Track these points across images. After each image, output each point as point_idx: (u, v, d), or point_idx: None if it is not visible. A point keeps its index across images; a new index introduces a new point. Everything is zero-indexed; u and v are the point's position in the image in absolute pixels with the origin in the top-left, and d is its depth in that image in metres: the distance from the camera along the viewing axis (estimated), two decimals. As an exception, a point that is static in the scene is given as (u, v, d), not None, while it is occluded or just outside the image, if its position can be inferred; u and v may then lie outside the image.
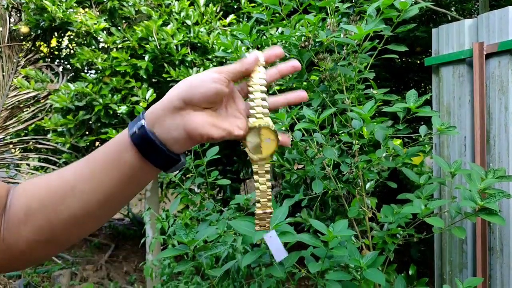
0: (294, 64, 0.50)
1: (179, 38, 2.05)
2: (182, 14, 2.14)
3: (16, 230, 0.44)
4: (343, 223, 1.00)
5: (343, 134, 1.29)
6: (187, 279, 1.66)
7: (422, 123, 2.28)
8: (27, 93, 2.62)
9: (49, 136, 2.45)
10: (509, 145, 1.35)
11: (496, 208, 0.97)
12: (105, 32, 2.25)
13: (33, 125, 2.60)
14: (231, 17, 2.24)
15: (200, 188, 2.64)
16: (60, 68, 2.84)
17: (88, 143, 2.32)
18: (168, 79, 2.08)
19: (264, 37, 1.90)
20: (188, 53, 2.14)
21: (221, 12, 2.39)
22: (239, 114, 0.49)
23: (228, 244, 1.13)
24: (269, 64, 0.50)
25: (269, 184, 0.49)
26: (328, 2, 1.22)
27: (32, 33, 2.63)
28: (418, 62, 2.67)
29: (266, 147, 0.48)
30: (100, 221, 0.48)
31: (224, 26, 2.23)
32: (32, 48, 2.81)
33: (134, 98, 2.11)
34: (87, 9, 2.39)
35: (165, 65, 2.10)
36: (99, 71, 2.23)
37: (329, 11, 1.28)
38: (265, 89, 0.49)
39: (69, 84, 2.16)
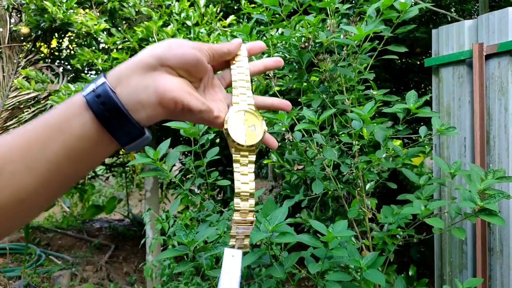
0: (277, 59, 0.48)
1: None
2: (183, 15, 2.14)
3: None
4: (343, 223, 1.00)
5: (343, 135, 1.29)
6: (187, 279, 1.66)
7: (422, 124, 2.28)
8: (28, 93, 2.62)
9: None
10: (509, 146, 1.35)
11: (496, 209, 0.97)
12: (105, 32, 2.25)
13: (33, 126, 2.59)
14: (231, 18, 2.25)
15: (200, 189, 2.64)
16: (61, 69, 2.84)
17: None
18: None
19: (264, 38, 1.90)
20: (188, 54, 2.14)
21: (221, 13, 2.40)
22: (219, 100, 0.44)
23: (228, 245, 1.13)
24: (253, 56, 0.47)
25: (252, 185, 0.41)
26: (328, 3, 1.22)
27: (32, 33, 2.64)
28: (418, 63, 2.67)
29: (251, 135, 0.42)
30: (37, 209, 0.37)
31: (224, 27, 2.24)
32: (33, 48, 2.81)
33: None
34: (87, 10, 2.39)
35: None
36: (99, 72, 2.24)
37: (329, 12, 1.29)
38: (249, 76, 0.45)
39: (69, 85, 2.16)
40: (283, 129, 1.27)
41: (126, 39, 2.20)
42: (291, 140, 1.28)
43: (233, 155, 0.42)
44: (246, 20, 2.37)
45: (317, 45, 1.33)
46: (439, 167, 1.52)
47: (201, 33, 2.15)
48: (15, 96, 2.70)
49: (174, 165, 1.16)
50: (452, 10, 2.52)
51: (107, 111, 0.36)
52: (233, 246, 0.42)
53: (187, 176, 1.79)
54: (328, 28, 1.29)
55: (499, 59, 1.36)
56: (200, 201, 1.34)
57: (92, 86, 0.37)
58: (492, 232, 1.39)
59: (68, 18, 2.18)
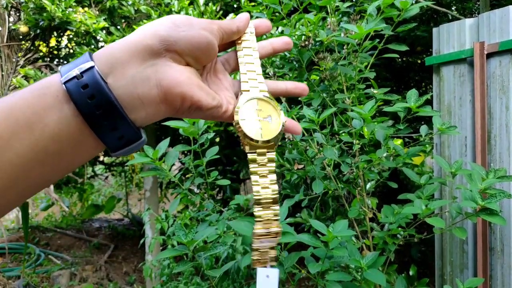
0: (286, 40, 0.41)
1: (178, 38, 2.04)
2: (182, 13, 2.13)
3: None
4: (343, 223, 0.99)
5: (343, 134, 1.29)
6: (187, 279, 1.65)
7: (423, 122, 2.27)
8: (26, 92, 2.61)
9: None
10: (510, 145, 1.34)
11: (497, 208, 0.97)
12: (104, 31, 2.24)
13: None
14: (231, 16, 2.24)
15: (199, 188, 2.64)
16: (59, 68, 2.83)
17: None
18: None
19: (264, 36, 1.90)
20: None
21: (221, 11, 2.39)
22: (224, 89, 0.37)
23: (228, 245, 1.13)
24: (259, 36, 0.41)
25: (275, 187, 0.34)
26: (329, 1, 1.21)
27: (31, 32, 2.63)
28: (419, 61, 2.66)
29: (268, 129, 0.35)
30: (2, 211, 0.30)
31: (224, 25, 2.23)
32: (31, 47, 2.80)
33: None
34: (86, 9, 2.38)
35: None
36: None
37: (329, 10, 1.28)
38: (258, 60, 0.37)
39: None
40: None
41: (125, 37, 2.19)
42: (291, 139, 1.27)
43: (248, 155, 0.34)
44: (245, 19, 2.36)
45: (317, 43, 1.33)
46: (440, 167, 1.51)
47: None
48: (14, 95, 2.69)
49: (174, 164, 1.15)
50: (453, 8, 2.51)
51: (97, 107, 0.27)
52: (257, 262, 0.35)
53: (187, 176, 1.78)
54: (329, 26, 1.28)
55: (500, 57, 1.36)
56: (199, 200, 1.33)
57: (74, 70, 0.28)
58: (493, 232, 1.38)
59: (67, 17, 2.18)
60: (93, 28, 2.18)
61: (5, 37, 2.72)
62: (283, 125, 0.36)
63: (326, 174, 1.29)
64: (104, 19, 2.29)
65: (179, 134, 1.32)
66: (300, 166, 1.49)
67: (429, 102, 1.43)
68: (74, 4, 2.25)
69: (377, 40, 1.25)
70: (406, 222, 1.15)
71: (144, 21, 2.07)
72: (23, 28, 2.55)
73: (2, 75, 2.73)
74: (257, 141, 0.34)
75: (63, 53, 2.98)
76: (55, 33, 2.75)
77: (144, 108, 0.30)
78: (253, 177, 0.34)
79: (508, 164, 1.34)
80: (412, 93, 1.13)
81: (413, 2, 1.17)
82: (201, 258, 1.00)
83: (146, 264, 2.20)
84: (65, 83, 0.28)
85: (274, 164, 0.35)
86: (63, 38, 2.92)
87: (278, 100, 1.72)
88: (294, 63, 1.50)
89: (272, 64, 1.62)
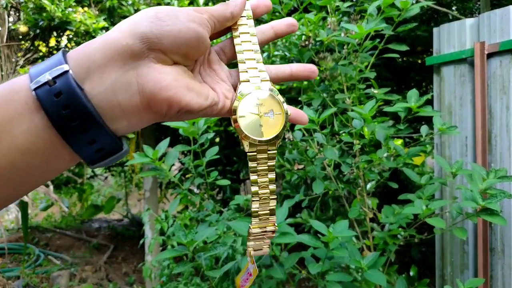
0: (290, 21, 0.35)
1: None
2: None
3: None
4: (344, 223, 0.99)
5: (343, 134, 1.28)
6: (187, 280, 1.65)
7: (423, 123, 2.27)
8: (26, 93, 2.61)
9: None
10: (510, 145, 1.34)
11: (497, 209, 0.96)
12: (104, 31, 2.24)
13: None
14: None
15: (199, 188, 2.63)
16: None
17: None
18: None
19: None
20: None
21: (221, 12, 2.39)
22: (221, 81, 0.33)
23: (228, 245, 1.13)
24: (257, 17, 0.36)
25: (273, 186, 0.33)
26: (329, 1, 1.21)
27: (31, 32, 2.62)
28: (419, 61, 2.66)
29: (269, 125, 0.32)
30: None
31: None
32: (31, 47, 2.80)
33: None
34: (86, 8, 2.38)
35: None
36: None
37: (329, 10, 1.28)
38: (257, 46, 0.34)
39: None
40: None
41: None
42: (291, 139, 1.26)
43: (248, 153, 0.32)
44: (245, 19, 2.36)
45: (318, 43, 1.32)
46: (441, 167, 1.51)
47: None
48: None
49: (173, 164, 1.15)
50: (453, 8, 2.51)
51: (72, 118, 0.24)
52: (252, 262, 0.35)
53: (186, 176, 1.78)
54: (329, 26, 1.28)
55: (501, 58, 1.35)
56: (199, 201, 1.33)
57: (46, 75, 0.25)
58: (494, 232, 1.38)
59: (67, 17, 2.17)
60: (93, 28, 2.18)
61: (5, 37, 2.72)
62: (286, 120, 0.33)
63: (327, 175, 1.29)
64: (104, 19, 2.29)
65: (178, 134, 1.32)
66: (300, 166, 1.48)
67: (429, 102, 1.42)
68: (73, 4, 2.25)
69: (378, 40, 1.25)
70: (406, 223, 1.15)
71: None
72: (23, 28, 2.55)
73: (2, 75, 2.72)
74: (257, 141, 0.32)
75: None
76: (54, 33, 2.75)
77: (126, 117, 0.27)
78: (252, 176, 0.33)
79: (509, 164, 1.34)
80: (413, 93, 1.13)
81: (414, 2, 1.17)
82: (201, 258, 1.00)
83: (145, 265, 2.19)
84: (35, 89, 0.24)
85: (274, 162, 0.33)
86: (62, 38, 2.91)
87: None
88: (294, 62, 1.50)
89: (272, 64, 1.62)
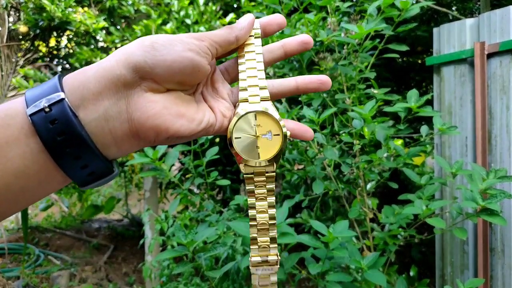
0: (303, 39, 0.33)
1: (178, 38, 2.04)
2: (182, 13, 2.13)
3: None
4: (344, 223, 0.99)
5: (343, 134, 1.28)
6: (187, 280, 1.65)
7: (423, 123, 2.27)
8: (26, 93, 2.61)
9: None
10: (510, 145, 1.34)
11: (497, 209, 0.96)
12: (104, 31, 2.24)
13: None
14: (231, 16, 2.23)
15: (199, 188, 2.63)
16: (59, 68, 2.83)
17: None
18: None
19: (264, 36, 1.89)
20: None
21: (221, 11, 2.39)
22: (221, 99, 0.33)
23: (228, 245, 1.13)
24: (268, 36, 0.34)
25: (272, 211, 0.31)
26: (329, 1, 1.21)
27: (31, 32, 2.62)
28: (419, 61, 2.66)
29: (266, 146, 0.31)
30: None
31: (223, 25, 2.22)
32: (31, 47, 2.80)
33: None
34: (86, 8, 2.38)
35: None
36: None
37: (329, 10, 1.27)
38: (262, 64, 0.33)
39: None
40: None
41: (125, 37, 2.19)
42: (291, 139, 1.26)
43: (245, 175, 0.31)
44: (245, 19, 2.36)
45: (318, 43, 1.32)
46: (441, 167, 1.51)
47: (201, 31, 2.14)
48: (14, 96, 2.69)
49: (173, 164, 1.15)
50: (453, 8, 2.51)
51: (67, 145, 0.25)
52: None
53: (187, 176, 1.78)
54: (329, 26, 1.28)
55: (501, 58, 1.35)
56: (199, 201, 1.33)
57: (42, 101, 0.25)
58: (494, 232, 1.38)
59: (67, 17, 2.17)
60: (93, 28, 2.18)
61: (5, 37, 2.72)
62: (284, 141, 0.31)
63: (327, 175, 1.29)
64: (104, 19, 2.29)
65: (179, 134, 1.31)
66: (300, 167, 1.48)
67: (429, 102, 1.42)
68: (73, 4, 2.25)
69: (378, 40, 1.25)
70: (406, 223, 1.15)
71: (144, 21, 2.07)
72: (23, 28, 2.55)
73: (2, 75, 2.72)
74: (255, 163, 0.31)
75: (63, 53, 2.98)
76: (54, 33, 2.75)
77: (116, 144, 0.28)
78: (249, 199, 0.31)
79: (509, 164, 1.34)
80: (413, 93, 1.13)
81: (414, 2, 1.17)
82: (201, 258, 1.00)
83: (145, 265, 2.19)
84: (31, 115, 0.25)
85: (273, 185, 0.32)
86: (62, 38, 2.91)
87: (278, 100, 1.71)
88: (295, 63, 1.50)
89: (272, 64, 1.62)
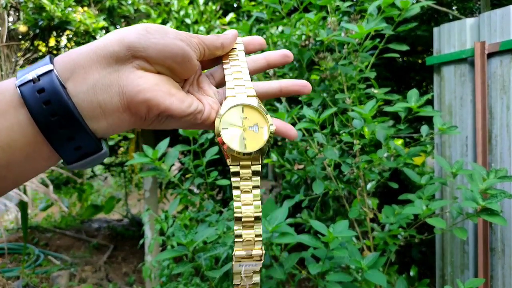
0: (285, 52, 0.37)
1: (178, 38, 2.04)
2: (182, 12, 2.12)
3: None
4: (344, 223, 0.99)
5: (344, 134, 1.28)
6: (186, 280, 1.65)
7: (423, 122, 2.27)
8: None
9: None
10: (510, 145, 1.34)
11: (497, 209, 0.96)
12: (104, 31, 2.24)
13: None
14: (231, 15, 2.23)
15: (199, 188, 2.63)
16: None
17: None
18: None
19: (264, 36, 1.89)
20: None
21: (221, 11, 2.38)
22: (208, 96, 0.34)
23: (228, 245, 1.12)
24: (249, 53, 0.37)
25: (258, 203, 0.31)
26: (329, 1, 1.20)
27: (30, 32, 2.62)
28: (420, 61, 2.66)
29: (253, 139, 0.32)
30: None
31: (223, 24, 2.22)
32: (31, 47, 2.79)
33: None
34: (85, 8, 2.38)
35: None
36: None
37: (329, 10, 1.27)
38: (246, 68, 0.35)
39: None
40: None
41: (125, 37, 2.19)
42: (277, 137, 1.26)
43: (230, 167, 0.31)
44: (246, 18, 2.36)
45: (318, 43, 1.32)
46: (441, 167, 1.50)
47: (201, 31, 2.13)
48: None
49: (173, 164, 1.15)
50: (453, 8, 2.51)
51: (53, 114, 0.25)
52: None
53: (186, 176, 1.77)
54: (329, 26, 1.27)
55: (501, 57, 1.35)
56: (199, 201, 1.33)
57: (31, 73, 0.26)
58: (494, 232, 1.38)
59: (66, 16, 2.17)
60: (93, 28, 2.18)
61: (4, 37, 2.71)
62: (270, 135, 0.32)
63: (327, 175, 1.28)
64: (104, 19, 2.29)
65: (178, 134, 1.31)
66: (300, 166, 1.48)
67: (429, 102, 1.42)
68: (73, 3, 2.25)
69: (378, 39, 1.25)
70: (406, 223, 1.14)
71: (144, 20, 2.07)
72: (22, 28, 2.55)
73: (2, 75, 2.72)
74: (240, 153, 0.31)
75: (63, 53, 2.97)
76: (54, 33, 2.75)
77: (105, 118, 0.28)
78: (235, 192, 0.31)
79: (509, 164, 1.34)
80: (413, 93, 1.12)
81: (414, 1, 1.17)
82: (200, 258, 1.00)
83: (145, 265, 2.19)
84: (19, 86, 0.26)
85: (259, 178, 0.32)
86: (62, 38, 2.91)
87: (278, 100, 1.71)
88: (294, 62, 1.50)
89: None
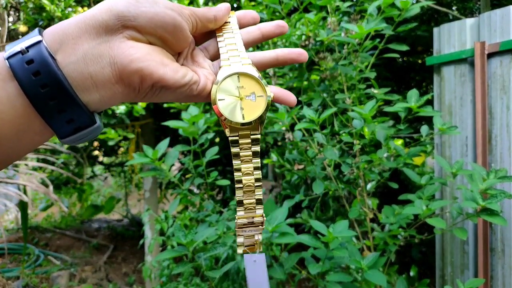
0: (279, 23, 0.36)
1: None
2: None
3: None
4: (344, 224, 0.99)
5: (344, 134, 1.28)
6: (187, 280, 1.65)
7: (423, 123, 2.27)
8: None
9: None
10: (510, 145, 1.34)
11: (497, 209, 0.96)
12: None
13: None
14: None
15: (199, 188, 2.63)
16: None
17: (86, 143, 2.31)
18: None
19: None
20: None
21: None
22: (203, 68, 0.33)
23: (228, 245, 1.12)
24: (243, 27, 0.36)
25: (258, 173, 0.31)
26: (329, 1, 1.20)
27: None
28: (420, 61, 2.66)
29: (250, 108, 0.31)
30: None
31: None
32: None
33: (133, 98, 2.10)
34: (85, 8, 2.38)
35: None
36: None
37: (329, 10, 1.27)
38: (240, 39, 0.34)
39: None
40: (283, 128, 1.25)
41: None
42: (292, 139, 1.26)
43: (229, 137, 0.31)
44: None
45: (318, 43, 1.32)
46: (441, 167, 1.50)
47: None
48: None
49: (173, 164, 1.15)
50: (453, 8, 2.51)
51: (43, 86, 0.25)
52: (243, 246, 0.32)
53: (186, 176, 1.77)
54: (329, 26, 1.27)
55: (501, 57, 1.35)
56: (199, 201, 1.33)
57: (20, 45, 0.26)
58: (494, 232, 1.38)
59: (66, 17, 2.17)
60: (93, 28, 2.18)
61: (5, 37, 2.71)
62: (268, 103, 0.32)
63: (327, 175, 1.28)
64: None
65: (178, 134, 1.31)
66: (300, 167, 1.48)
67: (429, 102, 1.42)
68: (73, 3, 2.25)
69: (378, 39, 1.25)
70: (406, 223, 1.14)
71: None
72: (23, 28, 2.55)
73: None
74: (238, 124, 0.31)
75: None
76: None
77: (97, 90, 0.27)
78: (235, 162, 0.31)
79: (509, 164, 1.34)
80: (413, 93, 1.13)
81: (414, 2, 1.17)
82: (200, 259, 1.00)
83: (145, 265, 2.19)
84: (8, 58, 0.25)
85: (258, 146, 0.32)
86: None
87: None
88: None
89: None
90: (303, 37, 1.32)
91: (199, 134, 1.18)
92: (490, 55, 1.37)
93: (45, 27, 1.95)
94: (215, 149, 1.18)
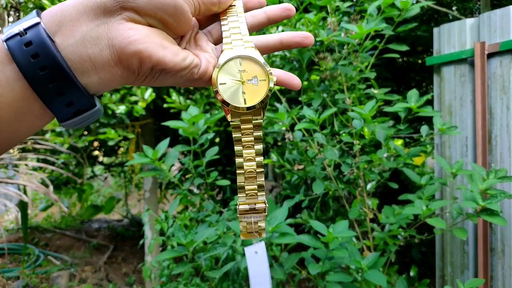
0: (286, 6, 0.34)
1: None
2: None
3: None
4: (344, 224, 0.99)
5: (344, 134, 1.28)
6: (187, 280, 1.65)
7: (423, 123, 2.27)
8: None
9: (47, 136, 2.44)
10: (510, 145, 1.34)
11: (497, 209, 0.96)
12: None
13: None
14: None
15: (199, 189, 2.63)
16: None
17: (86, 143, 2.31)
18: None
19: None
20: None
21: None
22: (205, 52, 0.33)
23: (228, 245, 1.12)
24: (248, 10, 0.35)
25: (260, 159, 0.31)
26: (329, 1, 1.20)
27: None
28: (420, 61, 2.66)
29: (252, 92, 0.30)
30: None
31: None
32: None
33: (133, 98, 2.10)
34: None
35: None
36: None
37: (329, 10, 1.27)
38: (245, 23, 0.33)
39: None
40: (283, 128, 1.25)
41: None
42: (292, 139, 1.26)
43: (231, 122, 0.31)
44: (245, 19, 2.35)
45: (318, 43, 1.32)
46: (441, 167, 1.51)
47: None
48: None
49: (173, 164, 1.15)
50: (453, 8, 2.51)
51: (41, 68, 0.25)
52: (245, 232, 0.32)
53: (186, 176, 1.77)
54: (329, 26, 1.27)
55: (501, 58, 1.35)
56: (199, 201, 1.33)
57: (18, 27, 0.25)
58: (494, 233, 1.38)
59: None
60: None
61: (5, 37, 2.71)
62: (270, 89, 0.31)
63: (327, 175, 1.28)
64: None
65: (178, 134, 1.31)
66: (300, 167, 1.48)
67: (429, 102, 1.42)
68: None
69: (378, 40, 1.25)
70: (406, 223, 1.15)
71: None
72: (23, 28, 2.55)
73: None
74: (239, 108, 0.30)
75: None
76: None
77: (96, 72, 0.27)
78: (236, 147, 0.31)
79: (509, 164, 1.34)
80: (413, 93, 1.13)
81: (414, 2, 1.17)
82: (200, 259, 1.00)
83: (145, 265, 2.19)
84: (6, 40, 0.25)
85: (261, 131, 0.31)
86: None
87: (278, 100, 1.71)
88: (294, 63, 1.50)
89: (272, 65, 1.62)
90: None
91: (199, 134, 1.18)
92: (490, 55, 1.37)
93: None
94: (215, 149, 1.18)
